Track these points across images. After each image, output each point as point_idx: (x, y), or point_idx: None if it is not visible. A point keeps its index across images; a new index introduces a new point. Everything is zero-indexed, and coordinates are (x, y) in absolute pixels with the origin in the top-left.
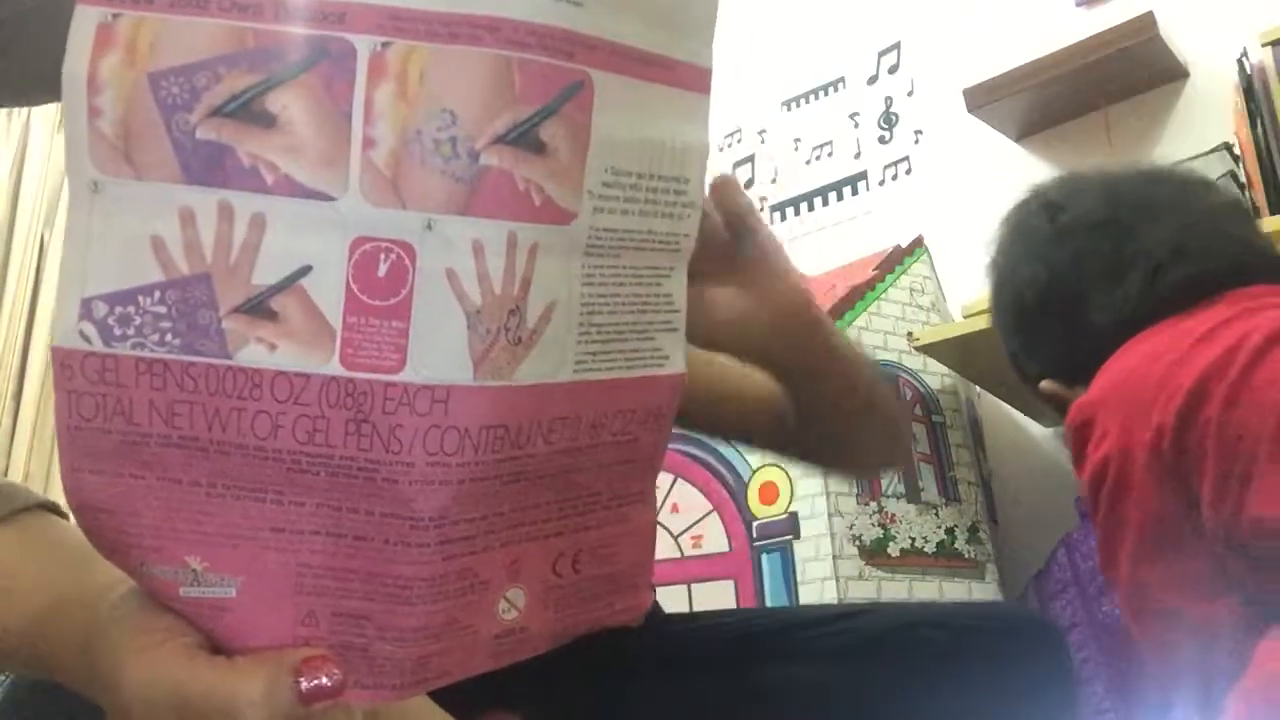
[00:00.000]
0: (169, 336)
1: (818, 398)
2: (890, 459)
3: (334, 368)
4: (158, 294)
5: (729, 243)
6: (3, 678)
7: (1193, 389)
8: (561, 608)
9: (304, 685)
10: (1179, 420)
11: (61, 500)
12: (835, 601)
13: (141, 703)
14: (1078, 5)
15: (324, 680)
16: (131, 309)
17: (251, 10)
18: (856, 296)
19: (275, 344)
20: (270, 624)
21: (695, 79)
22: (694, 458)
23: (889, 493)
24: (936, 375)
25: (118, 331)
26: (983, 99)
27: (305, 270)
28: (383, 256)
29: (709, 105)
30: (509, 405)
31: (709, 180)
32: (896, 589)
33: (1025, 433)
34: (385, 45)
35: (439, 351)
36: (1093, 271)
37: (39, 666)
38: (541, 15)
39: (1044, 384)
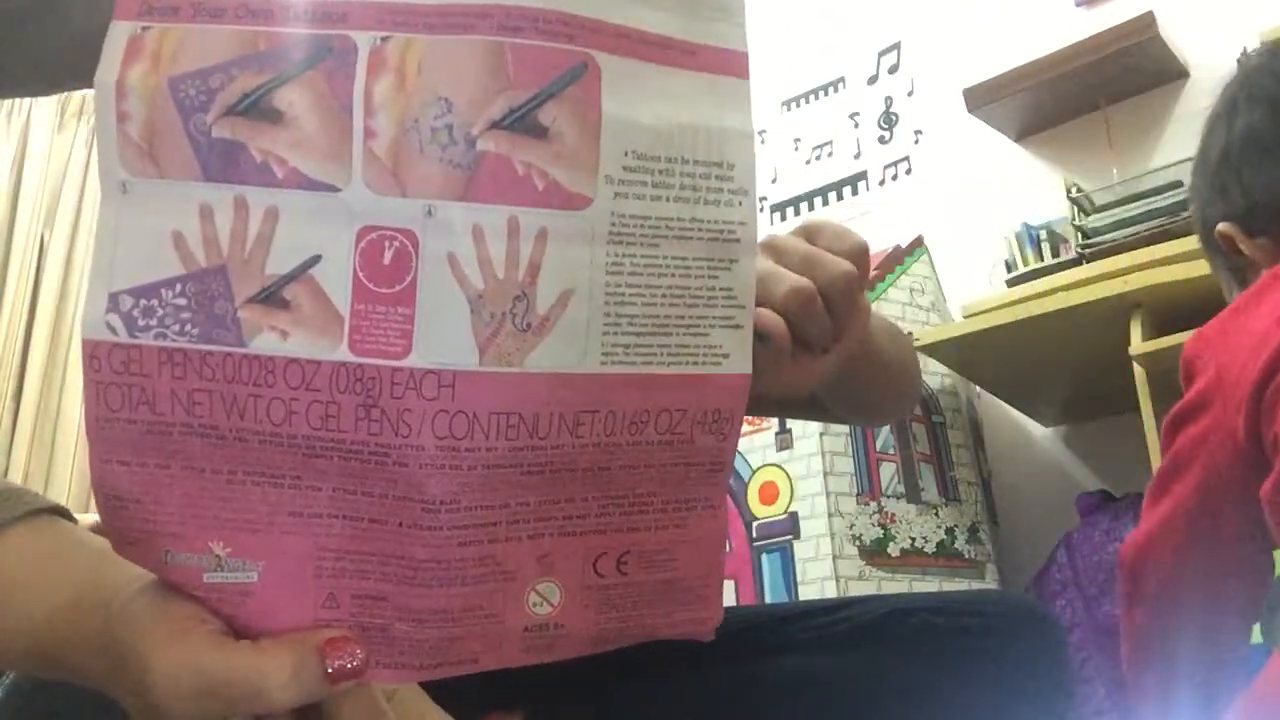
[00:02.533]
0: (188, 326)
1: (850, 376)
2: (902, 407)
3: (343, 354)
4: (178, 286)
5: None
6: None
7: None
8: (605, 609)
9: (330, 665)
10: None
11: (63, 500)
12: None
13: (169, 691)
14: (1078, 5)
15: (349, 661)
16: (154, 301)
17: (262, 15)
18: None
19: (288, 332)
20: (292, 607)
21: (725, 63)
22: None
23: (889, 493)
24: (936, 375)
25: (141, 322)
26: (983, 99)
27: (315, 260)
28: (387, 244)
29: (748, 89)
30: (520, 392)
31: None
32: (896, 589)
33: (1025, 433)
34: (384, 39)
35: (444, 336)
36: None
37: (54, 668)
38: (537, 0)
39: (1222, 226)
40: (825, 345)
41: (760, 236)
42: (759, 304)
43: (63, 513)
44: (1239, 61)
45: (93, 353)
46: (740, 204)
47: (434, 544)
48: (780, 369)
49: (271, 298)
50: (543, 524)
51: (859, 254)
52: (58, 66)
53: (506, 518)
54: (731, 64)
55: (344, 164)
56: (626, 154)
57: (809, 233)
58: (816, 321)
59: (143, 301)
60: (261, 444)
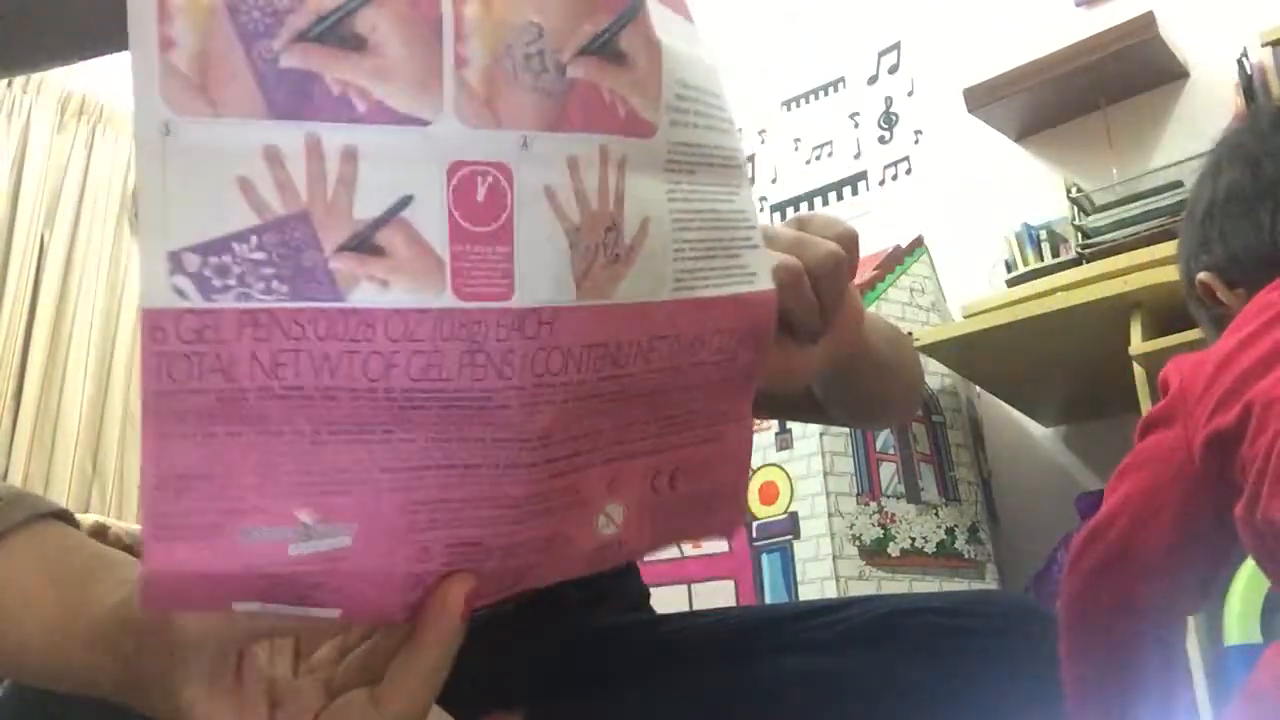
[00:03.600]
0: (275, 283)
1: (845, 375)
2: (902, 411)
3: (448, 300)
4: (254, 239)
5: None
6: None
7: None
8: (658, 521)
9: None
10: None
11: (63, 501)
12: None
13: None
14: (1078, 5)
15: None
16: (228, 258)
17: None
18: None
19: (387, 281)
20: (385, 566)
21: (678, 4)
22: None
23: (889, 493)
24: (936, 375)
25: (217, 283)
26: (983, 99)
27: (406, 201)
28: (480, 180)
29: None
30: (610, 323)
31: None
32: (896, 589)
33: (1025, 433)
34: None
35: (544, 273)
36: None
37: (63, 679)
38: None
39: (1202, 275)
40: (814, 332)
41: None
42: None
43: (66, 516)
44: (1224, 134)
45: (156, 323)
46: (736, 131)
47: (530, 480)
48: (773, 358)
49: (365, 244)
50: (614, 449)
51: (847, 240)
52: (90, 22)
53: (586, 447)
54: (681, 5)
55: (434, 95)
56: (677, 83)
57: (799, 222)
58: (803, 302)
59: (213, 259)
60: (354, 400)
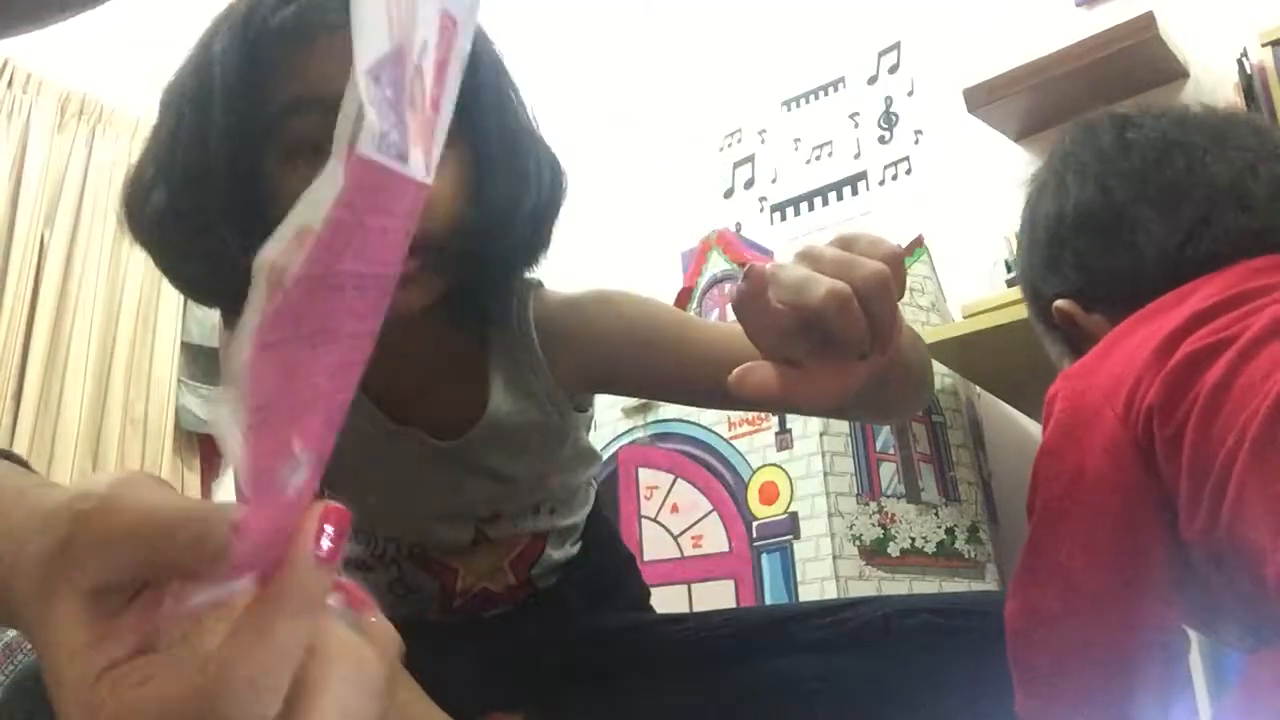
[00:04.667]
0: (394, 135)
1: (879, 382)
2: (915, 407)
3: (423, 175)
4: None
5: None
6: (3, 678)
7: (1176, 374)
8: None
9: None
10: (1159, 406)
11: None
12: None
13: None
14: (1078, 5)
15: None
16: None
17: None
18: None
19: (407, 152)
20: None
21: None
22: (694, 458)
23: (889, 493)
24: (936, 375)
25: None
26: (983, 99)
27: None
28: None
29: None
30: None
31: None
32: (896, 589)
33: (1025, 433)
34: None
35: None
36: (1150, 194)
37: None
38: None
39: (1060, 303)
40: (864, 350)
41: (761, 236)
42: (798, 310)
43: (12, 457)
44: (1060, 138)
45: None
46: None
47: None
48: (819, 376)
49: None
50: None
51: (894, 259)
52: None
53: None
54: None
55: None
56: None
57: (844, 242)
58: (853, 323)
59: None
60: (361, 289)
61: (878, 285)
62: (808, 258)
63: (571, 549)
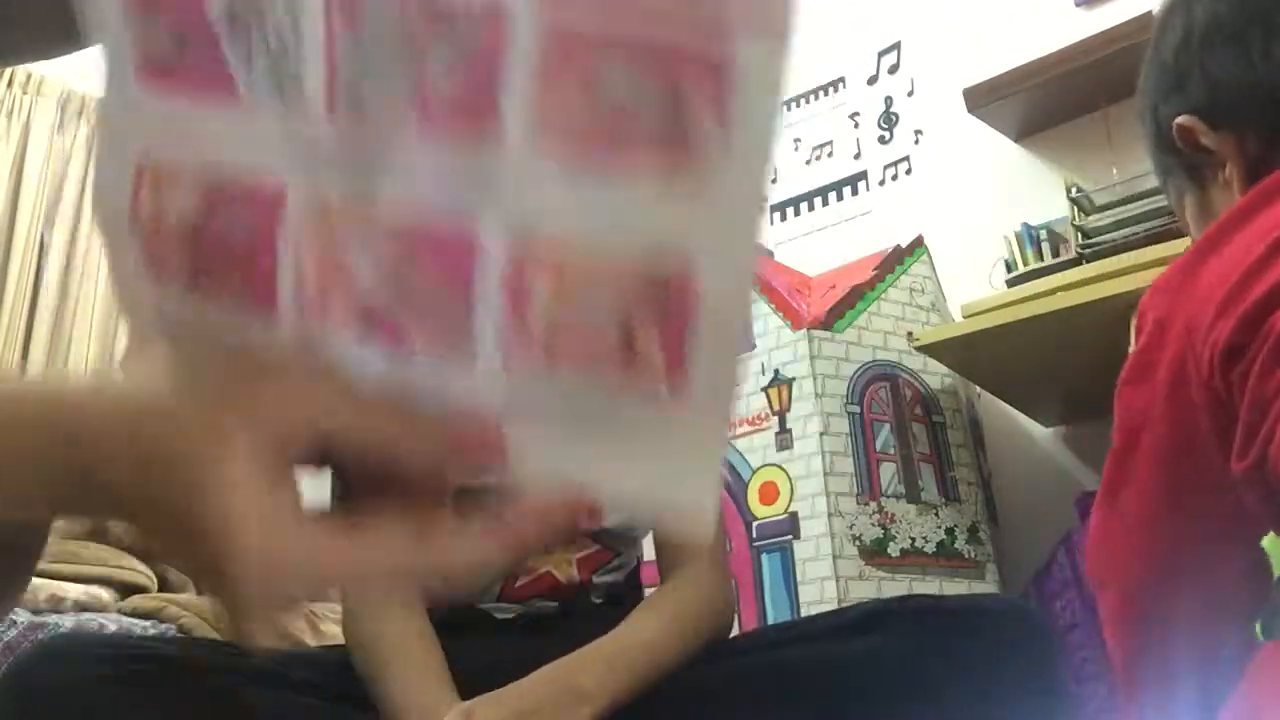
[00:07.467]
0: None
1: None
2: None
3: None
4: None
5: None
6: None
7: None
8: None
9: None
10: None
11: None
12: (835, 601)
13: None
14: (1078, 5)
15: None
16: None
17: None
18: (856, 296)
19: None
20: None
21: None
22: None
23: (889, 493)
24: (936, 375)
25: None
26: (983, 99)
27: None
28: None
29: None
30: None
31: None
32: (896, 589)
33: (1025, 433)
34: None
35: None
36: None
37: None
38: None
39: (1181, 118)
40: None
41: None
42: None
43: None
44: None
45: None
46: None
47: None
48: None
49: None
50: None
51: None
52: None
53: None
54: None
55: None
56: None
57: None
58: None
59: None
60: None
61: None
62: None
63: (620, 575)
